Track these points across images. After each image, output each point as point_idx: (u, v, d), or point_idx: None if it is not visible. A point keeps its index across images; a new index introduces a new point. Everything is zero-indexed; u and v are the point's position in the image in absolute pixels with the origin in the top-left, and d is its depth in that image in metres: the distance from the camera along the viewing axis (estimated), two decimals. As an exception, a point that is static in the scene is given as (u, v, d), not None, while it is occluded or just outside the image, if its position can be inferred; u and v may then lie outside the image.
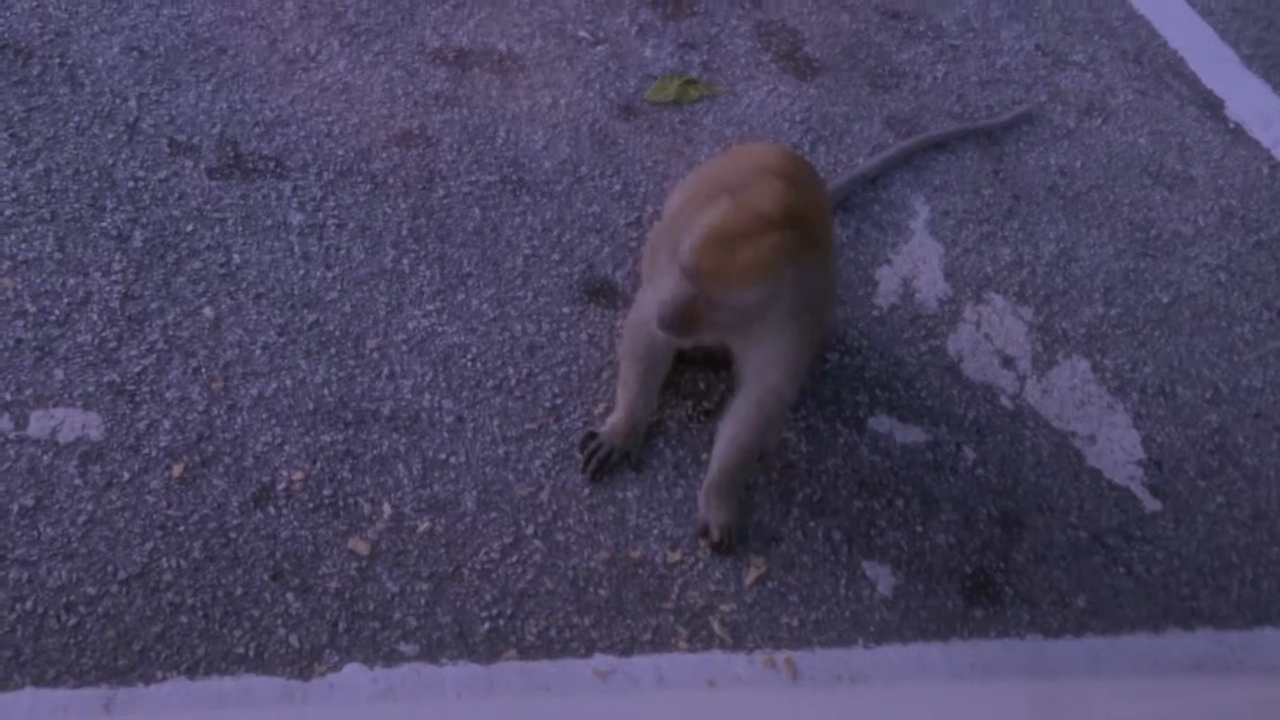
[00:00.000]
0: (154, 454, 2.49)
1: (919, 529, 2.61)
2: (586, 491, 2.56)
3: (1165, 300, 3.17)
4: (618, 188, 3.19)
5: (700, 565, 2.48)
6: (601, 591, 2.42)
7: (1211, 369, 3.03)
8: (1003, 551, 2.60)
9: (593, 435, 2.61)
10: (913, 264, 3.14)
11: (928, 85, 3.68)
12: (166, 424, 2.54)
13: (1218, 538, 2.69)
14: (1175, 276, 3.24)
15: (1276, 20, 4.16)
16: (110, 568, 2.32)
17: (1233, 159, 3.61)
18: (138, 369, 2.61)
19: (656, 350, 2.56)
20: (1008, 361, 2.96)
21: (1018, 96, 3.68)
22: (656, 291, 2.29)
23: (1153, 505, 2.73)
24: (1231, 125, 3.73)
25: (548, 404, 2.70)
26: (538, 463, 2.60)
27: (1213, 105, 3.78)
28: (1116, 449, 2.82)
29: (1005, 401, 2.87)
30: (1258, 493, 2.79)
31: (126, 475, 2.45)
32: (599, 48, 3.59)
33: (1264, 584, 2.62)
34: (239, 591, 2.32)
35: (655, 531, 2.52)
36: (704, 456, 2.64)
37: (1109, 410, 2.89)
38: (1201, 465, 2.82)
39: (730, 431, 2.50)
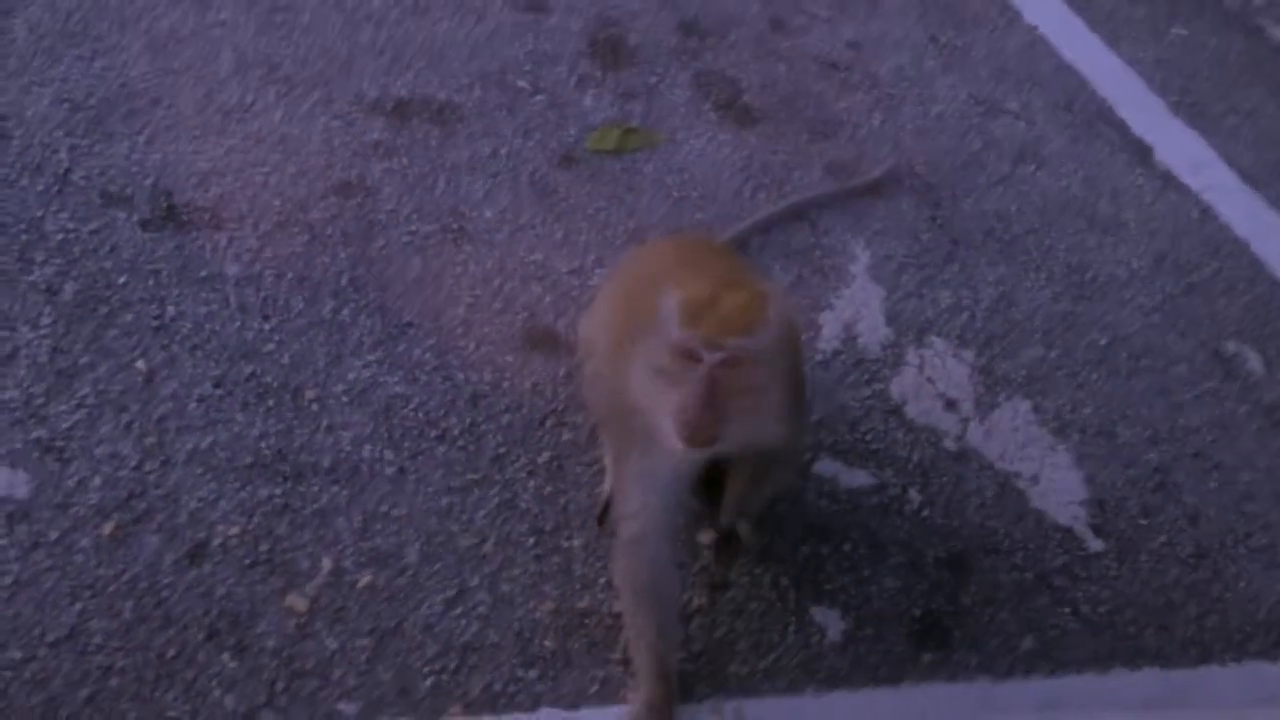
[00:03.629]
0: (83, 512, 2.42)
1: (867, 573, 2.60)
2: (532, 541, 2.52)
3: (1103, 342, 3.21)
4: (559, 235, 3.18)
5: (648, 615, 2.44)
6: (548, 643, 2.38)
7: (1150, 409, 3.06)
8: (950, 594, 2.59)
9: None
10: (854, 308, 3.15)
11: (865, 133, 3.72)
12: (97, 481, 2.47)
13: (1161, 576, 2.70)
14: (1112, 319, 3.28)
15: (1200, 70, 4.27)
16: (37, 630, 2.24)
17: (1163, 204, 3.68)
18: (67, 425, 2.54)
19: (659, 569, 2.26)
20: (950, 404, 2.97)
21: (953, 145, 3.73)
22: (658, 410, 2.05)
23: (1096, 545, 2.74)
24: (1160, 171, 3.80)
25: (491, 454, 2.66)
26: (481, 513, 2.55)
27: (1142, 152, 3.86)
28: (1059, 489, 2.83)
29: (949, 444, 2.88)
30: (1198, 531, 2.81)
31: (54, 534, 2.38)
32: (538, 98, 3.60)
33: (1208, 622, 2.64)
34: (172, 653, 2.25)
35: (602, 580, 2.48)
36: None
37: (1051, 451, 2.91)
38: (1143, 504, 2.84)
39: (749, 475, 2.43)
